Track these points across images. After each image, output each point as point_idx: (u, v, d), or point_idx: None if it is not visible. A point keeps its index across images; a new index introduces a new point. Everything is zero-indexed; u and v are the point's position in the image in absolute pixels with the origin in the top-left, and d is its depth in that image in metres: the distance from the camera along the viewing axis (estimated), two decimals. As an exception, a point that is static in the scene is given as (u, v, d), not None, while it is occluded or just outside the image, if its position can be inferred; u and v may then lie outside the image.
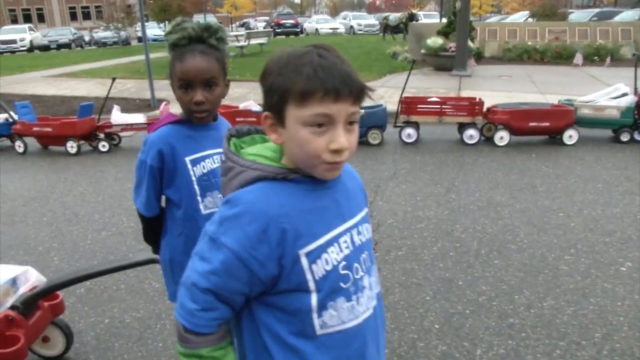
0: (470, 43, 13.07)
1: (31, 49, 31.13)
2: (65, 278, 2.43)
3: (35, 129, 7.26)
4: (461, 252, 3.72)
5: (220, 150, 1.51)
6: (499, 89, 10.38)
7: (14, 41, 30.63)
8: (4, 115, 7.53)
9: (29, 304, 2.33)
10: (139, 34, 36.44)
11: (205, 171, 1.82)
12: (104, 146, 7.18)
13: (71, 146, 7.10)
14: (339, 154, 1.00)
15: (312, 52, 0.99)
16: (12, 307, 2.28)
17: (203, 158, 1.81)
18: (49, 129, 7.17)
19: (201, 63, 1.66)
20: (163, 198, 1.86)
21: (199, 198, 1.81)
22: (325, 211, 1.07)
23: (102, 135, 7.33)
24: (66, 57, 23.01)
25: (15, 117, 7.44)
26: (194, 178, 1.79)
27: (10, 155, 7.30)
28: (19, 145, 7.36)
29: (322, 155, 0.99)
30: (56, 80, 14.19)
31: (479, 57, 14.85)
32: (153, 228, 1.92)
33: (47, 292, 2.42)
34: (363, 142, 6.68)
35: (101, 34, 34.69)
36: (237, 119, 6.69)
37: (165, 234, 1.88)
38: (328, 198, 1.09)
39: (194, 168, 1.80)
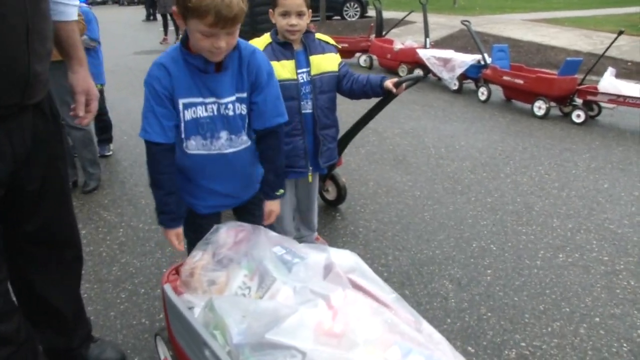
0: None
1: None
2: None
3: (505, 77, 6.27)
4: None
5: None
6: None
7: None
8: (477, 57, 6.83)
9: None
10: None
11: None
12: (578, 116, 5.60)
13: (539, 107, 5.82)
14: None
15: None
16: None
17: None
18: (520, 81, 6.05)
19: None
20: None
21: None
22: None
23: (579, 102, 5.75)
24: (548, 1, 21.53)
25: (489, 60, 6.64)
26: None
27: (470, 101, 6.61)
28: (482, 92, 6.59)
29: None
30: (535, 25, 12.99)
31: None
32: None
33: None
34: None
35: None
36: None
37: None
38: None
39: None
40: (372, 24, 9.44)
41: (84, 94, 1.81)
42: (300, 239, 2.90)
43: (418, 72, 7.60)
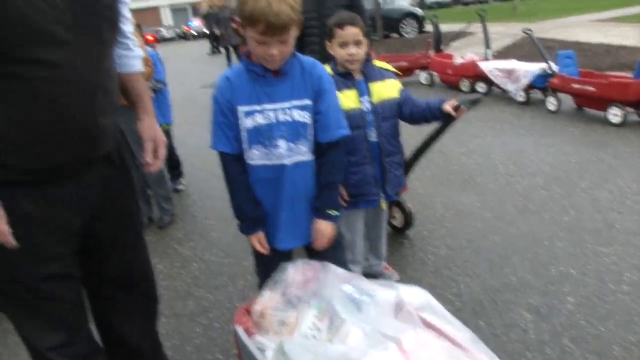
0: None
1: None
2: None
3: (574, 85, 5.99)
4: None
5: None
6: None
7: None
8: (543, 65, 6.57)
9: None
10: None
11: None
12: (659, 121, 5.25)
13: (615, 114, 5.50)
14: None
15: None
16: None
17: None
18: (591, 88, 5.76)
19: None
20: None
21: None
22: None
23: (660, 105, 5.39)
24: (617, -1, 20.52)
25: (555, 68, 6.37)
26: None
27: (539, 112, 6.36)
28: (551, 102, 6.32)
29: None
30: (603, 25, 12.43)
31: None
32: None
33: None
34: None
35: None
36: None
37: None
38: None
39: None
40: (429, 40, 9.35)
41: (151, 141, 1.88)
42: (369, 268, 2.88)
43: (482, 87, 7.43)
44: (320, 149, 1.87)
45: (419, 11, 17.16)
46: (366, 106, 2.38)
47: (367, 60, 2.43)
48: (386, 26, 15.25)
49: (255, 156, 1.83)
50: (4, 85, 1.30)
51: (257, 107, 1.77)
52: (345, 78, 2.37)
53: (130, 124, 2.83)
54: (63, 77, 1.37)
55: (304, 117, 1.80)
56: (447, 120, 2.44)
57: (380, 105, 2.41)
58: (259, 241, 1.95)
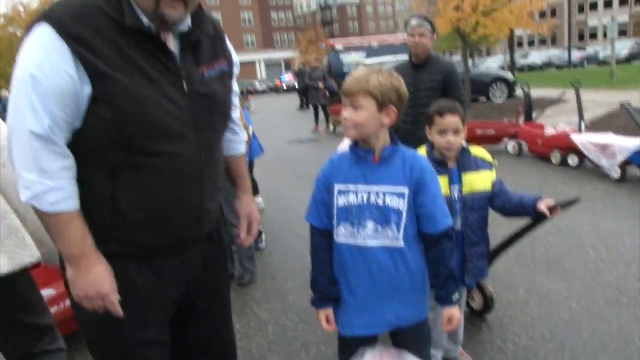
0: None
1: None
2: None
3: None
4: None
5: None
6: None
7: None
8: (642, 141, 6.24)
9: None
10: None
11: None
12: None
13: None
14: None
15: None
16: None
17: None
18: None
19: None
20: None
21: None
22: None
23: None
24: None
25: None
26: None
27: (635, 191, 5.97)
28: (650, 182, 5.97)
29: None
30: None
31: None
32: None
33: None
34: None
35: None
36: None
37: None
38: None
39: None
40: (519, 108, 9.19)
41: (246, 219, 2.03)
42: (444, 352, 2.83)
43: (573, 160, 7.16)
44: (430, 240, 1.89)
45: (509, 76, 16.97)
46: (455, 195, 2.41)
47: (464, 148, 2.47)
48: (475, 90, 15.19)
49: (342, 234, 1.90)
50: (128, 172, 1.50)
51: (352, 187, 1.86)
52: (438, 164, 2.40)
53: (227, 186, 3.06)
54: (179, 167, 1.56)
55: (398, 204, 1.83)
56: (539, 218, 2.41)
57: (470, 197, 2.43)
58: (326, 317, 2.00)
